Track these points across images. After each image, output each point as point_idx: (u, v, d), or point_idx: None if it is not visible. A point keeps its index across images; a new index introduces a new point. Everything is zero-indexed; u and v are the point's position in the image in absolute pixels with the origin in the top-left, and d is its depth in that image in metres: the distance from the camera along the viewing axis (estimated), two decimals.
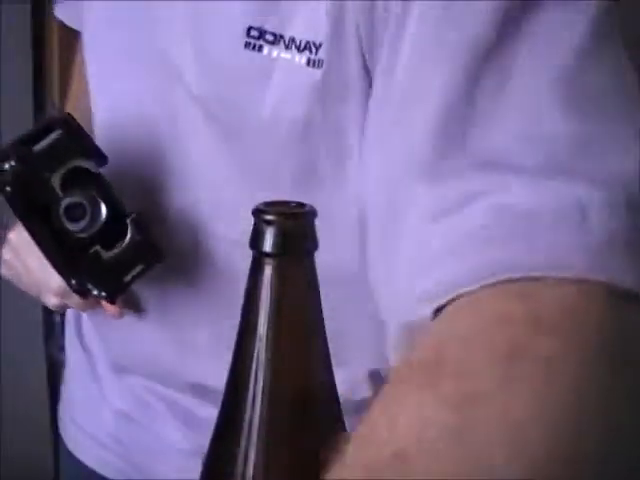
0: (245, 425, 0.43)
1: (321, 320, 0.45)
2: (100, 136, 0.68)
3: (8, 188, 0.59)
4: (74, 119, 0.62)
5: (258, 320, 0.43)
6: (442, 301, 0.43)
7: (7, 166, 0.59)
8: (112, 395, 0.77)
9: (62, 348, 0.85)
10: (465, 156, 0.46)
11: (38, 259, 0.65)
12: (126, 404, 0.75)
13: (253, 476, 0.43)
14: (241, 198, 0.59)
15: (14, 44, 1.57)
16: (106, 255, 0.61)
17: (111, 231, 0.61)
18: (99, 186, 0.61)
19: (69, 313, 0.84)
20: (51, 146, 0.60)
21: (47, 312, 1.49)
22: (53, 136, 0.60)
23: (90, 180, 0.61)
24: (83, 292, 0.62)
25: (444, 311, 0.44)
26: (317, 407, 0.44)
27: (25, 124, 0.61)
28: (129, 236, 0.61)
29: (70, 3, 0.82)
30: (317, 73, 0.56)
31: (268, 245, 0.42)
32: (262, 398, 0.43)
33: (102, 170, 0.62)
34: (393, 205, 0.49)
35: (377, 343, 0.64)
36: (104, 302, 0.68)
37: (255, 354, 0.43)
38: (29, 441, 1.39)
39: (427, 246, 0.46)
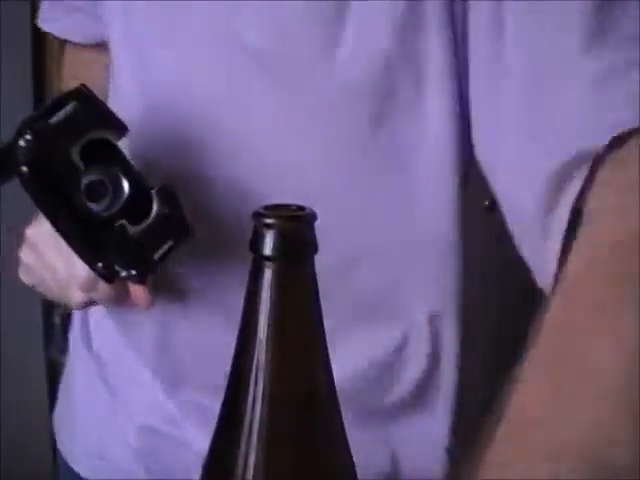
0: (245, 427, 0.43)
1: (321, 322, 0.44)
2: (138, 111, 0.66)
3: (24, 168, 0.55)
4: (89, 89, 0.58)
5: (258, 323, 0.43)
6: (624, 129, 0.49)
7: (22, 142, 0.55)
8: (135, 408, 0.74)
9: (61, 350, 0.84)
10: (622, 29, 0.51)
11: (59, 253, 0.62)
12: (153, 416, 0.73)
13: (253, 477, 0.42)
14: (310, 155, 0.61)
15: (14, 44, 1.57)
16: (133, 230, 0.57)
17: (136, 208, 0.58)
18: (119, 161, 0.58)
19: (76, 322, 0.81)
20: (67, 118, 0.56)
21: (47, 314, 1.50)
22: (69, 108, 0.56)
23: (109, 156, 0.58)
24: (110, 276, 0.58)
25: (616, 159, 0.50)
26: (317, 409, 0.44)
27: None
28: (155, 209, 0.58)
29: (60, 13, 0.81)
30: (399, 5, 0.56)
31: (268, 248, 0.42)
32: (262, 400, 0.43)
33: (146, 144, 0.60)
34: (551, 80, 0.53)
35: (438, 285, 0.66)
36: (133, 288, 0.64)
37: (255, 357, 0.43)
38: (28, 443, 1.39)
39: (595, 102, 0.51)
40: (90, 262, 0.58)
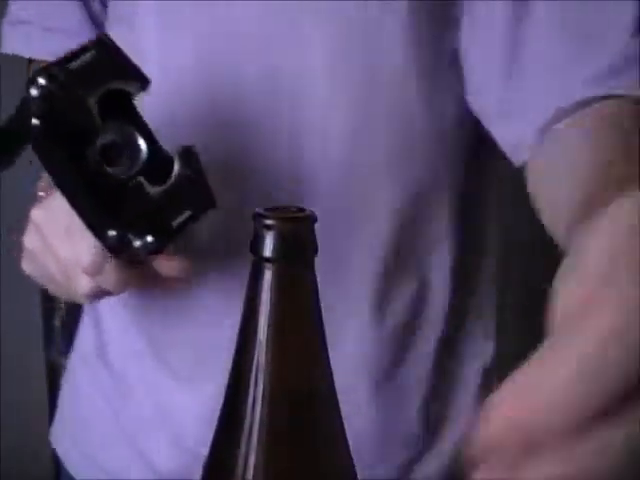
0: (245, 427, 0.43)
1: (321, 323, 0.44)
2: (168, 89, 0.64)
3: (35, 121, 0.50)
4: (110, 39, 0.54)
5: (258, 324, 0.43)
6: None
7: (35, 91, 0.50)
8: (168, 424, 0.71)
9: (62, 352, 0.83)
10: None
11: (67, 238, 0.56)
12: (190, 428, 0.70)
13: (253, 477, 0.43)
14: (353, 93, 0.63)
15: None
16: (152, 190, 0.52)
17: (155, 171, 0.53)
18: (137, 122, 0.54)
19: (87, 321, 0.79)
20: (86, 66, 0.51)
21: (47, 316, 1.49)
22: (87, 56, 0.52)
23: (126, 117, 0.53)
24: (120, 247, 0.52)
25: None
26: (317, 409, 0.44)
27: None
28: (176, 169, 0.52)
29: (30, 35, 0.77)
30: None
31: (268, 250, 0.42)
32: (262, 401, 0.43)
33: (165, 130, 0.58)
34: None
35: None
36: (161, 263, 0.57)
37: (255, 357, 0.43)
38: (28, 444, 1.39)
39: None
40: (99, 231, 0.52)
